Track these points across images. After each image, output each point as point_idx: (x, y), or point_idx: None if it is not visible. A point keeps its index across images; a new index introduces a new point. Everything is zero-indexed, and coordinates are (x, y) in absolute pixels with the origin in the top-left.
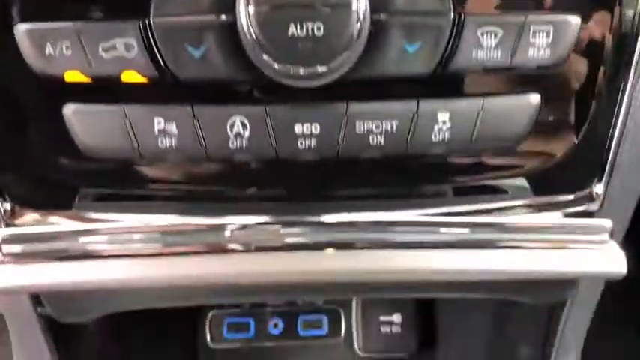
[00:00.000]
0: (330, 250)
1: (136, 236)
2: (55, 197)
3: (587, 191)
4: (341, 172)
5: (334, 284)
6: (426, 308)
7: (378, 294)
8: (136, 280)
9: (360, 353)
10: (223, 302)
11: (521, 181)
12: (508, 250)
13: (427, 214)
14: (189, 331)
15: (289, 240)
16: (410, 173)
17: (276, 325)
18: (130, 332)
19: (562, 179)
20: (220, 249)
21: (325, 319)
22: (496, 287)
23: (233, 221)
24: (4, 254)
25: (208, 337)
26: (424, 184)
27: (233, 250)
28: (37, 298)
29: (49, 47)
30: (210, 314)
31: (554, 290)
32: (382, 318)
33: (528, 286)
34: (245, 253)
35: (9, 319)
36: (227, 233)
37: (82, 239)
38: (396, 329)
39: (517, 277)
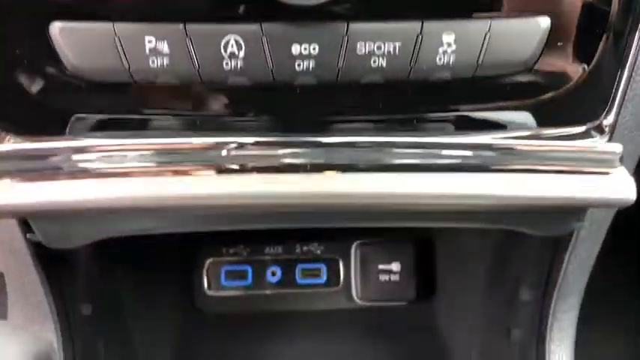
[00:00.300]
0: (329, 172)
1: (130, 154)
2: (45, 123)
3: (596, 123)
4: (340, 96)
5: (332, 208)
6: (425, 257)
7: (376, 222)
8: (128, 200)
9: (358, 302)
10: (216, 229)
11: (527, 115)
12: (513, 174)
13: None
14: (187, 279)
15: (287, 160)
16: (411, 100)
17: (274, 274)
18: (127, 278)
19: (570, 110)
20: (216, 169)
21: (324, 268)
22: (500, 216)
23: (230, 140)
24: None
25: (206, 285)
26: (426, 111)
27: (229, 170)
28: (25, 223)
29: None
30: (207, 262)
31: (560, 220)
32: (381, 266)
33: (533, 215)
34: (242, 174)
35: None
36: (223, 152)
37: (74, 157)
38: (394, 278)
39: (522, 203)
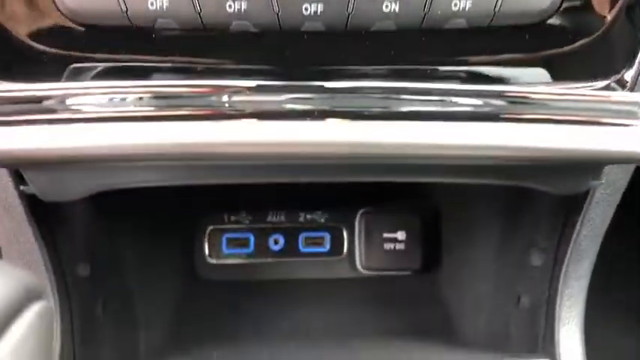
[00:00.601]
0: (336, 119)
1: (127, 98)
2: (39, 71)
3: (617, 77)
4: (349, 44)
5: (337, 158)
6: (431, 226)
7: (382, 176)
8: (124, 146)
9: (362, 271)
10: (214, 182)
11: (544, 69)
12: (527, 124)
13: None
14: (188, 246)
15: (290, 106)
16: (423, 50)
17: (276, 242)
18: (126, 242)
19: (591, 63)
20: (216, 114)
21: (327, 237)
22: (514, 172)
23: (231, 84)
24: None
25: (207, 253)
26: (438, 63)
27: (230, 116)
28: (19, 176)
29: None
30: (209, 229)
31: (577, 177)
32: (386, 235)
33: (549, 171)
34: (243, 120)
35: None
36: (224, 97)
37: (70, 100)
38: (399, 247)
39: (536, 155)
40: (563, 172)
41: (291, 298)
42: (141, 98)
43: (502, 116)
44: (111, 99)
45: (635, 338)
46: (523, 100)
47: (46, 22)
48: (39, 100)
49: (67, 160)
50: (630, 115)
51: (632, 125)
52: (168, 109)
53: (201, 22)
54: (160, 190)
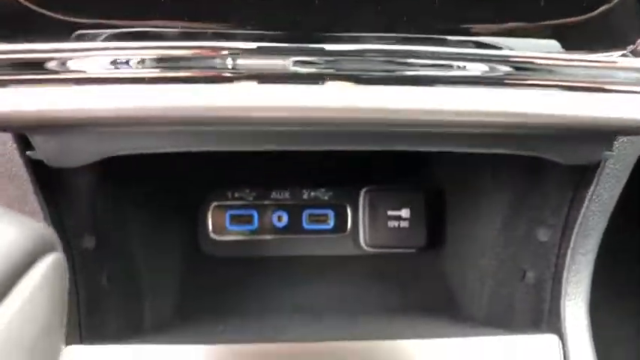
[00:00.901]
0: (336, 83)
1: (131, 59)
2: (46, 37)
3: (631, 48)
4: (354, 8)
5: (336, 125)
6: (436, 203)
7: (387, 145)
8: (127, 109)
9: (366, 248)
10: (216, 149)
11: (554, 42)
12: (535, 89)
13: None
14: (192, 222)
15: (293, 68)
16: (430, 15)
17: (280, 219)
18: (131, 215)
19: (604, 34)
20: (219, 76)
21: (331, 214)
22: (525, 140)
23: (234, 46)
24: None
25: (210, 229)
26: (445, 30)
27: (228, 79)
28: (24, 140)
29: None
30: (212, 205)
31: (588, 147)
32: (390, 213)
33: (559, 140)
34: (245, 82)
35: None
36: (228, 60)
37: (73, 62)
38: (403, 224)
39: (541, 122)
40: (574, 141)
41: (294, 275)
42: (143, 60)
43: (507, 82)
44: (114, 61)
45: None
46: (529, 66)
47: None
48: (42, 61)
49: (70, 123)
50: (638, 82)
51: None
52: (171, 71)
53: None
54: (165, 167)
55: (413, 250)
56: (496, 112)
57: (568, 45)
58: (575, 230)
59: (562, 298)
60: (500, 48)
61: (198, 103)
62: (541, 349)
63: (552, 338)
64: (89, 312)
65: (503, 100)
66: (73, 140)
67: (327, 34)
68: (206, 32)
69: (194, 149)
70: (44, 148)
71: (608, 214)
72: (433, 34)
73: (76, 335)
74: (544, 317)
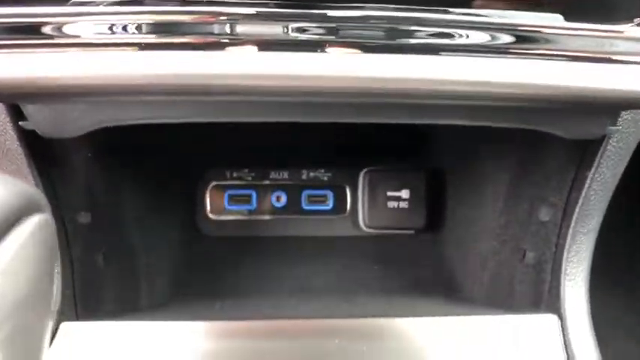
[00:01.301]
0: (336, 50)
1: (127, 25)
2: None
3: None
4: None
5: (334, 95)
6: (435, 183)
7: (387, 117)
8: (122, 76)
9: (365, 229)
10: (213, 119)
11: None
12: (538, 59)
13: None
14: (190, 201)
15: (294, 35)
16: None
17: (279, 199)
18: (128, 192)
19: (612, 6)
20: (217, 42)
21: (330, 195)
22: (530, 115)
23: (232, 11)
24: None
25: (208, 208)
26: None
27: (224, 45)
28: (17, 110)
29: None
30: (211, 185)
31: (593, 121)
32: (389, 194)
33: (564, 113)
34: (244, 49)
35: None
36: (227, 27)
37: (68, 27)
38: (403, 205)
39: (553, 93)
40: (578, 115)
41: (293, 255)
42: (140, 26)
43: (511, 51)
44: (110, 26)
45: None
46: (534, 36)
47: None
48: (37, 25)
49: (65, 90)
50: None
51: None
52: (168, 37)
53: None
54: (164, 145)
55: (412, 232)
56: (499, 83)
57: (574, 18)
58: (577, 209)
59: (562, 278)
60: (504, 17)
61: (194, 71)
62: (540, 328)
63: (552, 318)
64: (85, 289)
65: (506, 70)
66: (67, 109)
67: (329, 3)
68: None
69: (190, 120)
70: (37, 118)
71: (610, 193)
72: (437, 5)
73: (72, 312)
74: (544, 297)
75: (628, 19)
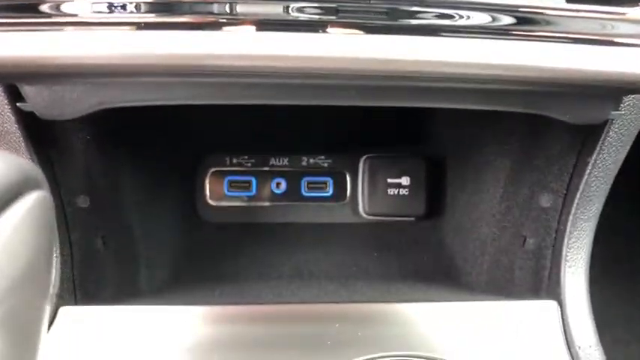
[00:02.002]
0: (340, 31)
1: (127, 4)
2: None
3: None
4: None
5: (335, 78)
6: (436, 170)
7: (388, 100)
8: (121, 55)
9: (365, 216)
10: (211, 101)
11: None
12: (540, 42)
13: None
14: (189, 187)
15: (294, 14)
16: None
17: (278, 185)
18: (127, 177)
19: None
20: (216, 22)
21: (330, 181)
22: (532, 99)
23: None
24: None
25: (208, 194)
26: None
27: (221, 24)
28: (15, 91)
29: None
30: (210, 171)
31: (596, 105)
32: (389, 180)
33: (567, 97)
34: (242, 28)
35: None
36: (226, 6)
37: (66, 5)
38: (403, 192)
39: (555, 76)
40: (581, 99)
41: (293, 242)
42: (139, 5)
43: (513, 33)
44: (109, 4)
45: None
46: (536, 17)
47: None
48: (35, 4)
49: (63, 70)
50: None
51: None
52: (166, 16)
53: None
54: (163, 131)
55: (412, 219)
56: (500, 65)
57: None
58: (578, 195)
59: (562, 265)
60: None
61: (192, 51)
62: (540, 314)
63: (551, 304)
64: (84, 273)
65: (507, 52)
66: (66, 90)
67: None
68: None
69: (190, 102)
70: (35, 100)
71: (610, 180)
72: None
73: (71, 296)
74: (543, 284)
75: (632, 1)
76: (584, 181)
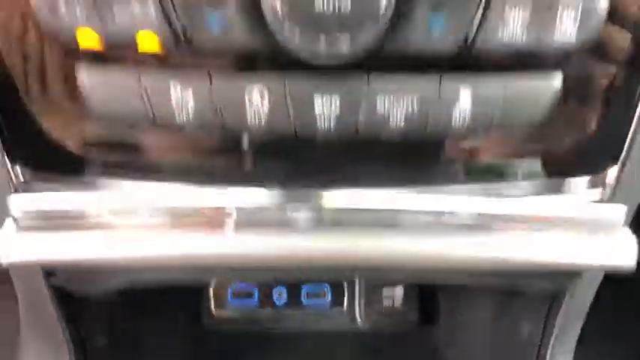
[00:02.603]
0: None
1: (144, 211)
2: (65, 164)
3: (601, 175)
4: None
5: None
6: (429, 285)
7: (376, 277)
8: (143, 257)
9: (361, 325)
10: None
11: (535, 164)
12: (515, 237)
13: (435, 192)
14: (194, 298)
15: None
16: (423, 151)
17: (280, 295)
18: (144, 319)
19: (578, 162)
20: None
21: (328, 290)
22: (497, 277)
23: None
24: (14, 221)
25: (212, 304)
26: (435, 162)
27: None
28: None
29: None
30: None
31: (558, 280)
32: (385, 292)
33: (530, 275)
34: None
35: (18, 289)
36: (233, 216)
37: (91, 210)
38: (398, 303)
39: (524, 268)
40: (545, 277)
41: (294, 349)
42: (153, 212)
43: (493, 231)
44: (126, 210)
45: None
46: (511, 217)
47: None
48: (65, 210)
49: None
50: (611, 226)
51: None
52: (178, 221)
53: (223, 126)
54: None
55: (407, 330)
56: (482, 259)
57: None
58: (554, 335)
59: None
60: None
61: (199, 252)
62: None
63: None
64: None
65: (487, 248)
66: (93, 276)
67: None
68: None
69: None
70: (66, 280)
71: (586, 309)
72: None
73: None
74: None
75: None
76: (557, 322)
